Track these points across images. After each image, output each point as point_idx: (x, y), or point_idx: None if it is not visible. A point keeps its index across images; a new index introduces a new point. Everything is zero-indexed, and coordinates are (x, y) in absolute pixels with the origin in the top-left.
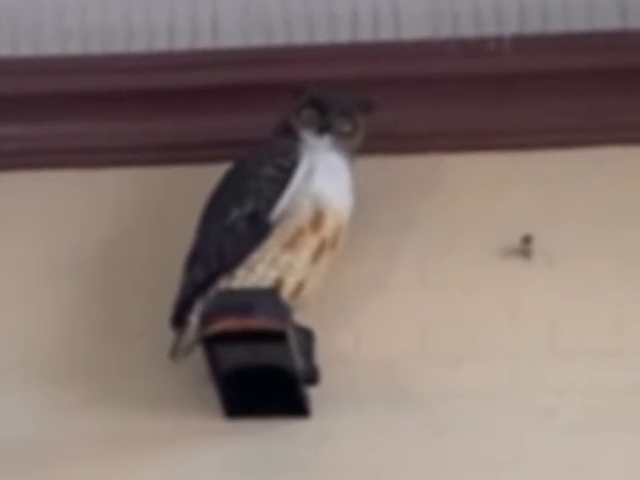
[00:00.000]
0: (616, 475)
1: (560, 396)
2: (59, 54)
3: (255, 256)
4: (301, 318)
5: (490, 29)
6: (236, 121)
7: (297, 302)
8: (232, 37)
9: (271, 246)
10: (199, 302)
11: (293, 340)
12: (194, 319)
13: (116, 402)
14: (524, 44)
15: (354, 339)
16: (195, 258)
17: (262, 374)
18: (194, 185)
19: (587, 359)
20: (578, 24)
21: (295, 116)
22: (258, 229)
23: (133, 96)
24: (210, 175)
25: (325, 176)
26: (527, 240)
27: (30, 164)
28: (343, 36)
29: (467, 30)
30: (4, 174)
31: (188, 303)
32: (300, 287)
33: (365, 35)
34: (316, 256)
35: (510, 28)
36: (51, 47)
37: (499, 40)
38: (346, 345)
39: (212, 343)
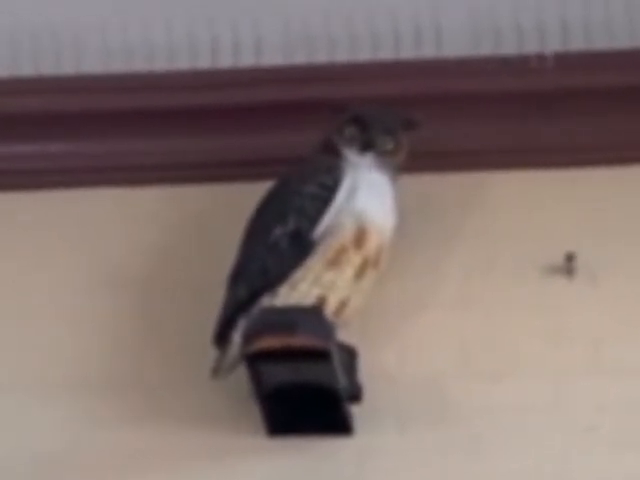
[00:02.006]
0: None
1: (602, 413)
2: (101, 72)
3: (298, 274)
4: (344, 336)
5: (532, 46)
6: (278, 139)
7: (340, 320)
8: (274, 55)
9: (314, 264)
10: (242, 320)
11: (336, 358)
12: (237, 337)
13: (157, 419)
14: (567, 61)
15: (397, 357)
16: (238, 276)
17: (305, 392)
18: (236, 203)
19: (630, 376)
20: (622, 41)
21: (337, 134)
22: (301, 247)
23: (175, 114)
24: (252, 193)
25: (368, 194)
26: (570, 258)
27: (72, 182)
28: (385, 54)
29: (509, 47)
30: (45, 192)
31: (231, 321)
32: (343, 305)
33: (407, 52)
34: (359, 274)
35: (553, 45)
36: (94, 65)
37: (541, 57)
38: (389, 363)
39: (255, 361)
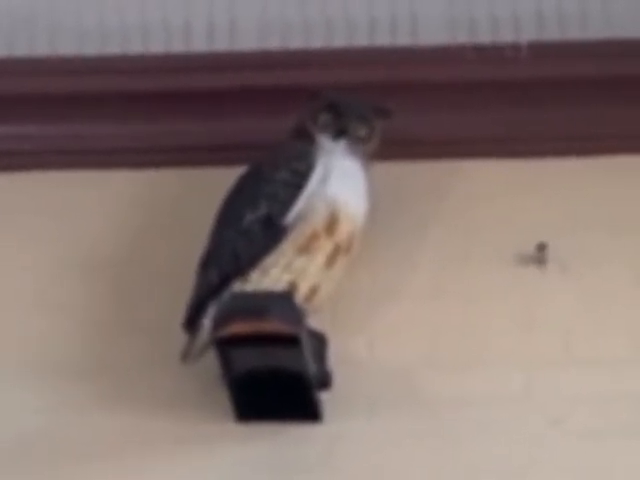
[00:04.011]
0: None
1: (573, 403)
2: (76, 54)
3: (269, 259)
4: (314, 322)
5: (507, 35)
6: (252, 124)
7: (311, 306)
8: (249, 40)
9: (285, 250)
10: (212, 305)
11: (306, 344)
12: (207, 322)
13: (127, 403)
14: (541, 51)
15: (367, 344)
16: (209, 261)
17: (274, 378)
18: (209, 187)
19: (601, 367)
20: (596, 31)
21: (311, 120)
22: (272, 232)
23: (149, 98)
24: (225, 178)
25: (340, 181)
26: (542, 248)
27: (46, 164)
28: (360, 40)
29: (484, 36)
30: (20, 174)
31: (201, 306)
32: (314, 291)
33: (382, 40)
34: (330, 261)
35: (527, 35)
36: (68, 47)
37: (516, 47)
38: (359, 350)
39: (225, 346)
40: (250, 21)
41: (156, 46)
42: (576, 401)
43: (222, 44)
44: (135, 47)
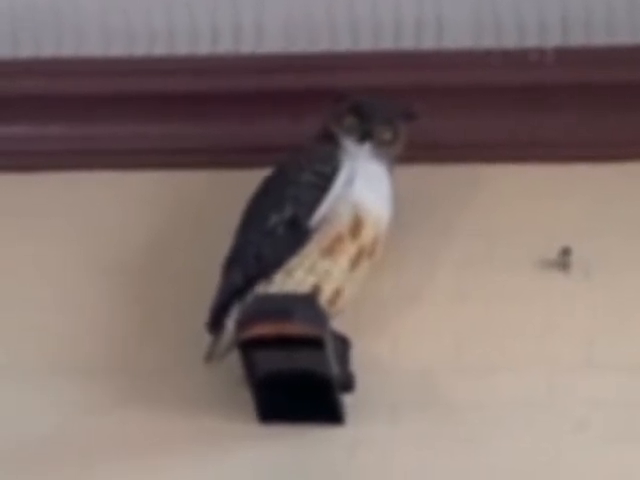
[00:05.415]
0: None
1: (594, 408)
2: (101, 55)
3: (293, 261)
4: (337, 325)
5: (533, 40)
6: (276, 126)
7: (334, 309)
8: (275, 42)
9: (310, 252)
10: (236, 306)
11: (330, 347)
12: (230, 323)
13: (149, 404)
14: (567, 56)
15: (390, 347)
16: (233, 262)
17: (297, 380)
18: (234, 189)
19: (623, 372)
20: (621, 37)
21: (336, 123)
22: (297, 234)
23: (174, 99)
24: (249, 180)
25: (365, 184)
26: (566, 252)
27: (69, 165)
28: (386, 44)
29: (509, 41)
30: (43, 174)
31: (225, 307)
32: (337, 294)
33: (407, 43)
34: (354, 264)
35: (553, 40)
36: (93, 48)
37: (541, 51)
38: (382, 353)
39: (248, 348)
40: (276, 24)
41: (182, 48)
42: (599, 406)
43: (248, 46)
44: (161, 49)
